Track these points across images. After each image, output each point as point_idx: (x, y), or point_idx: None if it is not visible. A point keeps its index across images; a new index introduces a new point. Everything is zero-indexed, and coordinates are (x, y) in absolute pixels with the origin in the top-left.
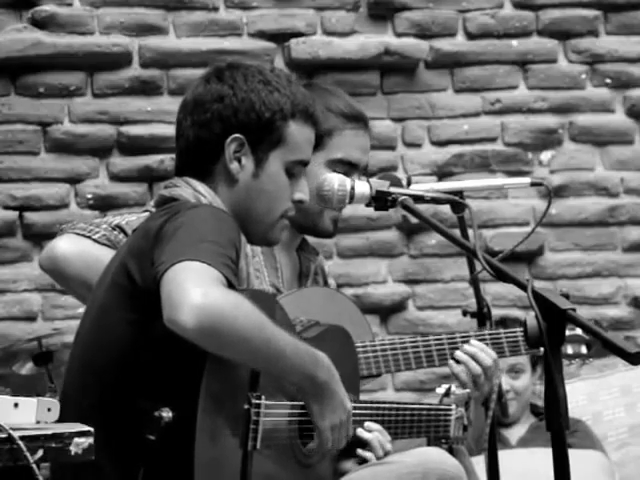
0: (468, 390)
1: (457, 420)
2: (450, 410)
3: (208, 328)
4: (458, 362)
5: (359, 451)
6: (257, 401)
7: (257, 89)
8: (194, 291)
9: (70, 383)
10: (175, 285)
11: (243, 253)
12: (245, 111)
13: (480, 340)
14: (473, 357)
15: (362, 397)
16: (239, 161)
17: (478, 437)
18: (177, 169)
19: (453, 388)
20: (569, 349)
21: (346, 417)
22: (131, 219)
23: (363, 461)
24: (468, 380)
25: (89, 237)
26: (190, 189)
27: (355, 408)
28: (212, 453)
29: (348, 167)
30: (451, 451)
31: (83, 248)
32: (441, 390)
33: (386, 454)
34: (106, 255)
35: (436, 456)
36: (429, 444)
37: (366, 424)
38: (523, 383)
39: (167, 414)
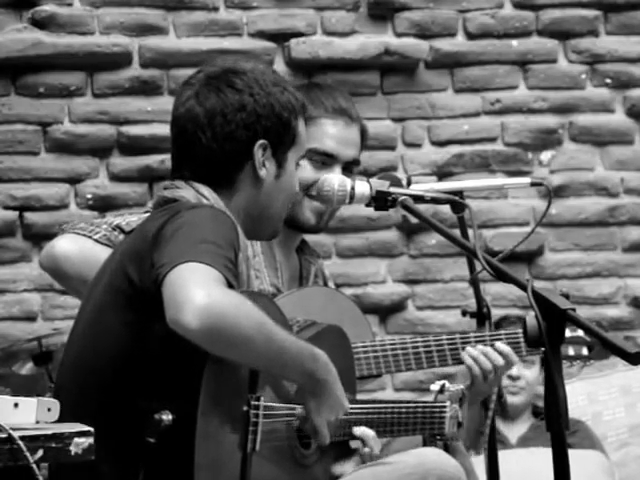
0: (462, 386)
1: (452, 417)
2: (445, 407)
3: (211, 329)
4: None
5: (353, 443)
6: (256, 403)
7: (272, 92)
8: (197, 292)
9: (64, 383)
10: (177, 287)
11: (244, 255)
12: (267, 116)
13: (480, 341)
14: (485, 354)
15: (360, 397)
16: (264, 165)
17: (475, 432)
18: (184, 177)
19: (447, 385)
20: (570, 350)
21: (342, 415)
22: (132, 219)
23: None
24: (479, 374)
25: (90, 237)
26: (192, 191)
27: (351, 407)
28: (212, 455)
29: (325, 158)
30: (446, 448)
31: (83, 247)
32: (435, 387)
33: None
34: (106, 255)
35: (436, 457)
36: (424, 442)
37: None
38: (533, 374)
39: (167, 417)
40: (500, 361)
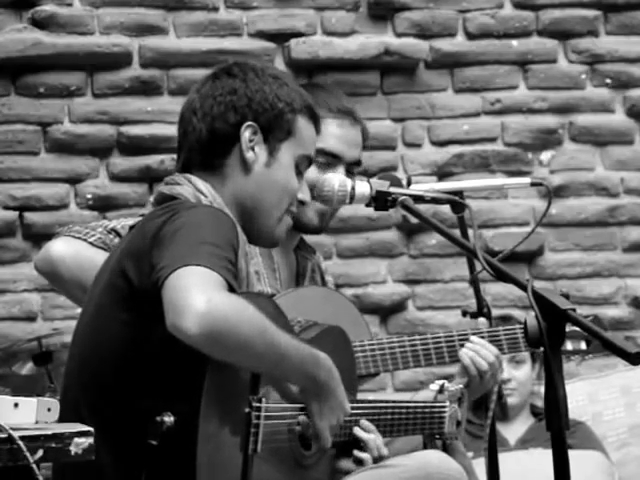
0: (461, 386)
1: (451, 416)
2: (444, 407)
3: (212, 334)
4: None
5: (355, 452)
6: (258, 404)
7: (269, 82)
8: (197, 297)
9: (69, 384)
10: (178, 291)
11: (242, 252)
12: (258, 101)
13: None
14: (478, 354)
15: (359, 396)
16: (252, 150)
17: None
18: (183, 166)
19: (447, 385)
20: (568, 345)
21: (343, 418)
22: (127, 223)
23: (359, 462)
24: (475, 375)
25: (85, 240)
26: (191, 187)
27: (351, 407)
28: (213, 457)
29: (330, 158)
30: (445, 447)
31: (79, 250)
32: (435, 387)
33: (381, 458)
34: (102, 258)
35: (438, 460)
36: (424, 441)
37: (362, 422)
38: (524, 373)
39: (169, 419)
40: (491, 357)
